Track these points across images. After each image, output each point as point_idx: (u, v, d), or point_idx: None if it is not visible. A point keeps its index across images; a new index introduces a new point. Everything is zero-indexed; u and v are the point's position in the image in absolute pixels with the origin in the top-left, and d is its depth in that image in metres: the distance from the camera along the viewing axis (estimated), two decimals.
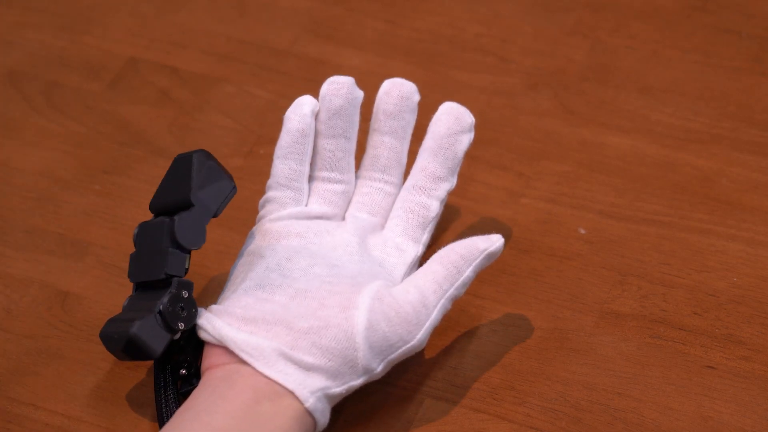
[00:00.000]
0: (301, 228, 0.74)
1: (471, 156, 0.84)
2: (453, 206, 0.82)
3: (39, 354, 0.76)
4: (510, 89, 0.90)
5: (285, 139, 0.75)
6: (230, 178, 0.72)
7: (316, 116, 0.76)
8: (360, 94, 0.77)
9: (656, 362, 0.74)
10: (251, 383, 0.67)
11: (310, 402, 0.67)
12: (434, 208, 0.76)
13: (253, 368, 0.67)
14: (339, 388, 0.69)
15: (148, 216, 0.76)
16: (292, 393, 0.67)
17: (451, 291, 0.71)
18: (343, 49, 0.93)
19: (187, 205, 0.71)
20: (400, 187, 0.78)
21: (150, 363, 0.75)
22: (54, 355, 0.76)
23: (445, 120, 0.77)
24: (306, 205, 0.76)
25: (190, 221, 0.70)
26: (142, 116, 0.89)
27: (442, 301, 0.71)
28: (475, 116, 0.77)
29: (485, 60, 0.92)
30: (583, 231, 0.81)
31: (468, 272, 0.72)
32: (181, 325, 0.69)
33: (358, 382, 0.69)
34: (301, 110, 0.75)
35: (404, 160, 0.78)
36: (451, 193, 0.80)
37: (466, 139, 0.77)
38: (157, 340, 0.68)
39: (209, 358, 0.69)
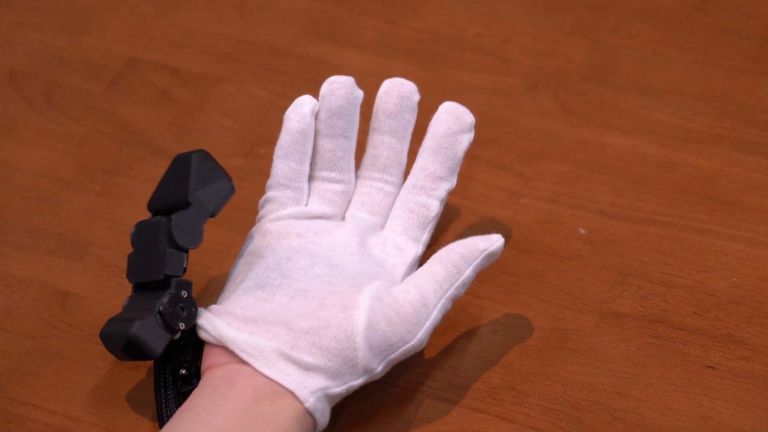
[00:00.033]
0: (301, 228, 0.74)
1: (471, 156, 0.84)
2: (453, 206, 0.82)
3: (39, 354, 0.76)
4: (510, 89, 0.90)
5: (285, 139, 0.75)
6: (229, 178, 0.72)
7: (316, 116, 0.76)
8: (360, 93, 0.77)
9: (656, 362, 0.74)
10: (251, 383, 0.67)
11: (310, 402, 0.67)
12: (434, 207, 0.76)
13: (253, 368, 0.67)
14: (339, 388, 0.69)
15: (148, 216, 0.76)
16: (292, 393, 0.67)
17: (451, 291, 0.71)
18: (343, 49, 0.93)
19: (184, 205, 0.71)
20: (400, 187, 0.78)
21: (150, 363, 0.75)
22: (54, 355, 0.76)
23: (445, 120, 0.77)
24: (306, 205, 0.76)
25: (187, 220, 0.70)
26: (142, 116, 0.89)
27: (442, 301, 0.71)
28: (475, 116, 0.77)
29: (485, 60, 0.92)
30: (583, 231, 0.81)
31: (468, 272, 0.72)
32: (182, 325, 0.69)
33: (358, 382, 0.69)
34: (300, 110, 0.75)
35: (404, 159, 0.78)
36: (451, 193, 0.80)
37: (466, 139, 0.77)
38: (157, 340, 0.68)
39: (209, 358, 0.69)
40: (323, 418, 0.68)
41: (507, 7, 0.95)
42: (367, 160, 0.78)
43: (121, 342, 0.68)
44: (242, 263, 0.73)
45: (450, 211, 0.82)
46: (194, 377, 0.71)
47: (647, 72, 0.90)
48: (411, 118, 0.78)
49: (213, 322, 0.69)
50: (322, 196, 0.76)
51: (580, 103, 0.88)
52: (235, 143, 0.87)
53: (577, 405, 0.72)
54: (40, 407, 0.73)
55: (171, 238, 0.70)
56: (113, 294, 0.78)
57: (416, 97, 0.77)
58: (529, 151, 0.86)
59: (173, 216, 0.70)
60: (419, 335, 0.70)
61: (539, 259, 0.79)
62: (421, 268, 0.72)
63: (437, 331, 0.75)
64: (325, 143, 0.76)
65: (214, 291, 0.78)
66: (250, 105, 0.90)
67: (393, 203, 0.77)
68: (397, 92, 0.77)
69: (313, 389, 0.67)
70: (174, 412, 0.70)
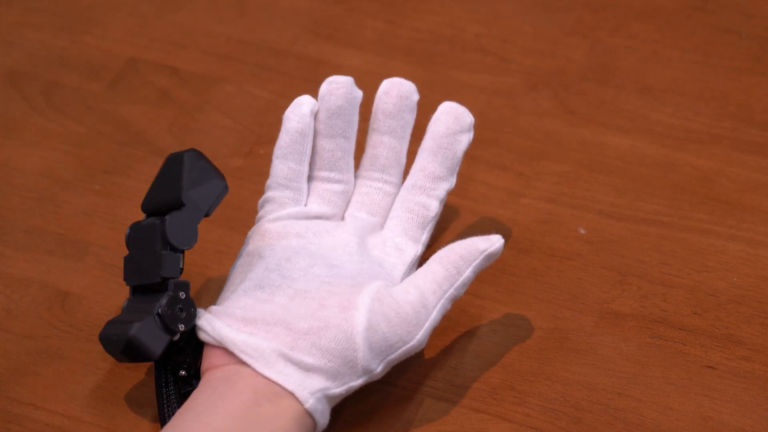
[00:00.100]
0: (301, 228, 0.74)
1: (471, 156, 0.84)
2: (453, 206, 0.82)
3: (39, 354, 0.76)
4: (510, 89, 0.90)
5: (284, 139, 0.75)
6: (222, 177, 0.72)
7: (315, 116, 0.76)
8: (359, 93, 0.77)
9: (656, 362, 0.74)
10: (251, 384, 0.67)
11: (310, 403, 0.67)
12: (434, 207, 0.76)
13: (253, 369, 0.67)
14: (339, 389, 0.69)
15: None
16: (292, 394, 0.67)
17: (451, 291, 0.71)
18: (343, 49, 0.93)
19: (178, 205, 0.71)
20: (399, 187, 0.78)
21: (150, 363, 0.75)
22: (54, 355, 0.76)
23: (444, 119, 0.76)
24: (305, 205, 0.76)
25: (181, 221, 0.70)
26: (142, 116, 0.89)
27: (442, 301, 0.71)
28: (475, 116, 0.77)
29: (485, 60, 0.92)
30: (583, 231, 0.81)
31: (468, 273, 0.72)
32: (181, 327, 0.69)
33: (357, 382, 0.69)
34: (300, 110, 0.75)
35: (403, 159, 0.78)
36: (451, 193, 0.80)
37: (466, 139, 0.77)
38: (156, 342, 0.68)
39: (209, 359, 0.69)
40: (323, 418, 0.68)
41: (507, 7, 0.95)
42: (366, 160, 0.78)
43: (120, 344, 0.68)
44: (241, 264, 0.73)
45: (450, 211, 0.82)
46: (194, 378, 0.71)
47: (647, 72, 0.90)
48: (410, 118, 0.78)
49: (212, 323, 0.69)
50: (322, 197, 0.76)
51: (580, 103, 0.88)
52: (235, 143, 0.87)
53: (577, 405, 0.72)
54: (40, 407, 0.73)
55: (166, 239, 0.70)
56: (113, 294, 0.78)
57: (415, 96, 0.77)
58: (529, 151, 0.86)
59: (167, 217, 0.70)
60: (419, 336, 0.70)
61: (539, 259, 0.79)
62: (420, 269, 0.72)
63: (437, 331, 0.75)
64: (324, 143, 0.76)
65: (213, 291, 0.78)
66: (250, 105, 0.90)
67: (392, 203, 0.77)
68: (396, 92, 0.77)
69: (312, 390, 0.67)
70: (176, 410, 0.70)
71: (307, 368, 0.68)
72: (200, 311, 0.70)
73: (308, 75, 0.91)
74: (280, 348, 0.68)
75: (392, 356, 0.70)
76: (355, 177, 0.78)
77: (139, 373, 0.75)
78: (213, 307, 0.71)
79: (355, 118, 0.77)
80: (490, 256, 0.72)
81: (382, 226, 0.77)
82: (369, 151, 0.78)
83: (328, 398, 0.68)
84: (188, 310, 0.70)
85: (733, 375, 0.73)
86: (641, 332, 0.75)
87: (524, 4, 0.95)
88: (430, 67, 0.91)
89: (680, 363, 0.74)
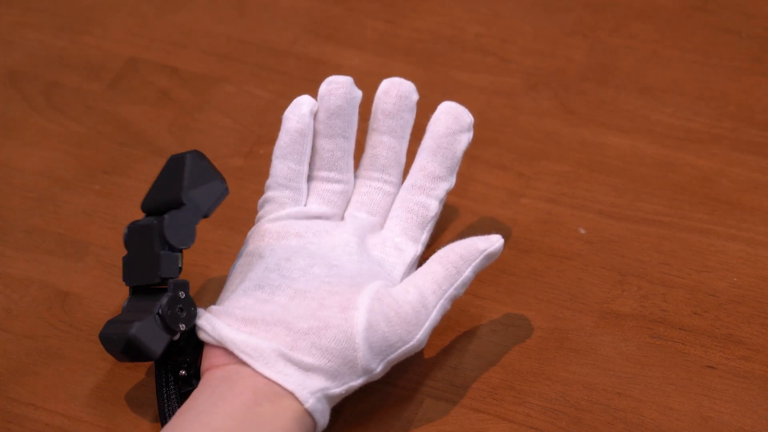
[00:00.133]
0: (300, 228, 0.74)
1: (471, 156, 0.84)
2: (453, 206, 0.82)
3: (39, 354, 0.76)
4: (510, 89, 0.90)
5: (283, 139, 0.75)
6: (222, 179, 0.72)
7: (315, 116, 0.76)
8: (359, 93, 0.77)
9: (656, 362, 0.74)
10: (251, 384, 0.67)
11: (309, 403, 0.67)
12: (433, 207, 0.76)
13: (253, 369, 0.67)
14: (339, 389, 0.69)
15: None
16: (292, 394, 0.67)
17: (451, 291, 0.71)
18: (343, 49, 0.93)
19: (177, 205, 0.70)
20: (399, 187, 0.78)
21: (150, 363, 0.75)
22: (54, 355, 0.76)
23: (443, 119, 0.76)
24: (305, 205, 0.76)
25: (179, 221, 0.70)
26: (142, 116, 0.89)
27: (442, 301, 0.71)
28: (475, 116, 0.77)
29: (485, 60, 0.92)
30: (583, 231, 0.81)
31: (467, 272, 0.72)
32: (182, 326, 0.69)
33: (357, 382, 0.69)
34: (299, 110, 0.75)
35: (403, 159, 0.78)
36: (451, 193, 0.80)
37: (465, 139, 0.77)
38: (157, 341, 0.68)
39: (209, 358, 0.69)
40: (323, 418, 0.68)
41: (507, 7, 0.95)
42: (366, 159, 0.78)
43: (120, 343, 0.68)
44: (241, 264, 0.73)
45: (450, 211, 0.82)
46: (194, 378, 0.71)
47: (647, 72, 0.90)
48: (410, 118, 0.78)
49: (212, 323, 0.69)
50: (321, 196, 0.76)
51: (580, 103, 0.88)
52: (235, 143, 0.87)
53: (577, 405, 0.72)
54: (40, 407, 0.73)
55: (163, 238, 0.70)
56: (113, 294, 0.78)
57: (415, 96, 0.77)
58: (529, 151, 0.86)
59: (165, 216, 0.70)
60: (419, 335, 0.70)
61: (539, 259, 0.79)
62: (420, 269, 0.72)
63: (437, 331, 0.75)
64: (323, 143, 0.76)
65: (213, 291, 0.78)
66: (250, 105, 0.90)
67: (392, 203, 0.77)
68: (396, 92, 0.77)
69: (312, 390, 0.67)
70: (176, 410, 0.70)
71: (307, 368, 0.68)
72: (200, 311, 0.70)
73: (308, 75, 0.91)
74: (279, 348, 0.68)
75: (392, 356, 0.70)
76: (355, 177, 0.78)
77: (139, 373, 0.75)
78: (213, 307, 0.71)
79: (355, 118, 0.77)
80: (489, 256, 0.72)
81: (381, 226, 0.77)
82: (369, 151, 0.78)
83: (328, 398, 0.68)
84: (188, 310, 0.70)
85: (733, 375, 0.73)
86: (641, 332, 0.75)
87: (524, 4, 0.95)
88: (430, 67, 0.91)
89: (680, 363, 0.74)
